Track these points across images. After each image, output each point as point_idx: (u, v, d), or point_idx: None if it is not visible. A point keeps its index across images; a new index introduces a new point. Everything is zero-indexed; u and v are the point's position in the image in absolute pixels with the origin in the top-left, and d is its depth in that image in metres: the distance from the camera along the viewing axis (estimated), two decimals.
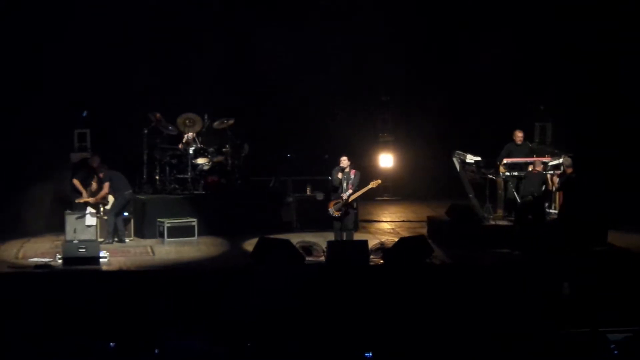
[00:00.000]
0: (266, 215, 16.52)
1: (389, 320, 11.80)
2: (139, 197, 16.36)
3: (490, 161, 15.97)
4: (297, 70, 19.00)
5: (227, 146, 17.13)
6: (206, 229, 16.02)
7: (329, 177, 14.66)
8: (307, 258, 13.87)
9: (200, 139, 17.18)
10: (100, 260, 13.76)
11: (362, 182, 14.41)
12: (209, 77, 18.51)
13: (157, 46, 18.55)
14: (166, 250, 15.04)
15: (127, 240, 15.56)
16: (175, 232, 15.62)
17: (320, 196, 16.73)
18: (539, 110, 18.45)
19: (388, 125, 20.80)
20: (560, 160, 15.53)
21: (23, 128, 17.09)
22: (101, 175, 15.45)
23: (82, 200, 15.39)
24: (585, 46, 18.86)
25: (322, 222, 15.11)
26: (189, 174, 16.77)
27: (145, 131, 16.87)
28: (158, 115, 16.90)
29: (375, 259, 13.96)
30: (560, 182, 15.37)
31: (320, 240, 14.54)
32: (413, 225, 17.41)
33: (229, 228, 16.07)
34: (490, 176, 15.98)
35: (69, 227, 15.10)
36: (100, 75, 17.73)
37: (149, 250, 15.03)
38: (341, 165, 14.39)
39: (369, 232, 16.65)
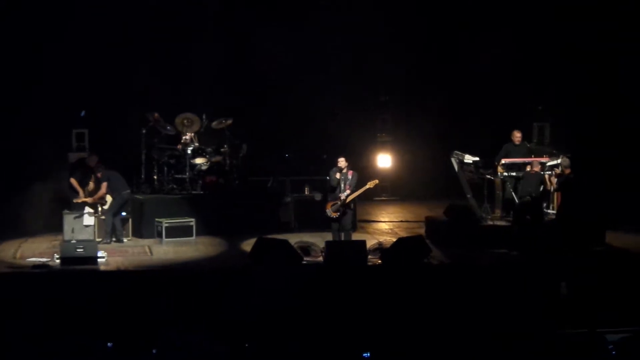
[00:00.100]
0: (264, 215, 16.52)
1: (387, 321, 11.79)
2: (137, 197, 16.36)
3: (489, 161, 15.95)
4: (296, 70, 19.01)
5: (225, 146, 17.12)
6: (204, 229, 16.01)
7: (327, 178, 14.65)
8: (305, 258, 13.85)
9: (196, 137, 17.15)
10: (98, 260, 13.73)
11: (359, 183, 14.39)
12: (209, 77, 18.52)
13: (156, 46, 18.56)
14: (164, 250, 15.02)
15: (125, 240, 15.54)
16: (173, 232, 15.60)
17: (318, 196, 16.71)
18: (537, 111, 18.43)
19: (388, 125, 20.81)
20: (558, 161, 15.50)
21: (22, 128, 17.12)
22: (99, 175, 15.44)
23: (80, 200, 15.41)
24: (585, 46, 18.87)
25: (320, 223, 15.09)
26: (187, 174, 16.76)
27: (144, 131, 16.86)
28: (156, 115, 16.89)
29: (373, 259, 13.94)
30: (558, 183, 15.35)
31: (319, 240, 14.53)
32: (411, 225, 17.40)
33: (227, 228, 16.06)
34: (489, 176, 15.97)
35: (66, 227, 15.11)
36: (100, 75, 17.76)
37: (147, 250, 15.01)
38: (339, 165, 14.38)
39: (367, 232, 16.64)
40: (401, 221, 17.93)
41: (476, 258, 14.35)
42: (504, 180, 15.78)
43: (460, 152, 15.87)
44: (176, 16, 18.48)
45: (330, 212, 14.32)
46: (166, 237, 15.50)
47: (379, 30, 19.21)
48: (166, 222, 15.60)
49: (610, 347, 10.08)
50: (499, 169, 15.74)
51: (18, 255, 14.48)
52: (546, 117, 18.44)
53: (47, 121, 17.22)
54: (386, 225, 17.66)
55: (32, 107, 17.22)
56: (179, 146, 16.91)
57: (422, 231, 16.17)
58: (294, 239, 14.50)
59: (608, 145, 18.49)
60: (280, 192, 17.43)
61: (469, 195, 15.75)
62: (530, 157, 15.90)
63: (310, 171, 17.96)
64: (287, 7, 18.94)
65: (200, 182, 16.89)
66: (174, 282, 12.88)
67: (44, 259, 13.83)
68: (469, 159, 15.76)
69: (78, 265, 13.45)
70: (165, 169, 16.88)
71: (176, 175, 16.86)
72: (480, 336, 10.70)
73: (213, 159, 16.97)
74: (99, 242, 14.70)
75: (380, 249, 14.20)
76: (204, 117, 17.21)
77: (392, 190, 20.50)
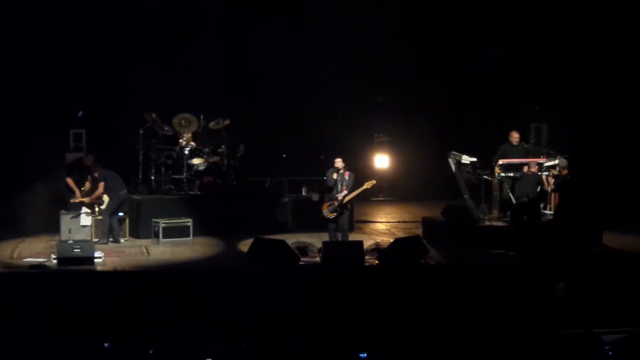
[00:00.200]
0: (261, 215, 16.50)
1: (384, 321, 11.76)
2: (134, 197, 16.34)
3: (486, 162, 15.94)
4: (296, 70, 19.00)
5: (222, 146, 17.11)
6: (201, 230, 15.99)
7: (324, 178, 14.64)
8: (303, 258, 13.83)
9: (191, 137, 17.15)
10: (95, 260, 13.71)
11: (356, 183, 14.37)
12: (208, 77, 18.51)
13: (156, 46, 18.55)
14: (161, 250, 15.01)
15: (122, 240, 15.52)
16: (170, 232, 15.57)
17: (315, 197, 16.71)
18: (535, 111, 18.41)
19: (387, 125, 20.78)
20: (556, 162, 15.47)
21: (20, 128, 17.14)
22: (96, 174, 15.42)
23: (76, 200, 15.39)
24: (585, 46, 18.85)
25: (317, 223, 15.06)
26: (185, 174, 16.76)
27: (141, 131, 16.83)
28: (154, 115, 16.88)
29: (371, 260, 13.91)
30: (555, 184, 15.33)
31: (316, 240, 14.51)
32: (408, 225, 17.37)
33: (224, 228, 16.04)
34: (486, 177, 15.97)
35: (63, 227, 15.08)
36: (99, 75, 17.76)
37: (144, 250, 14.99)
38: (336, 166, 14.36)
39: (364, 233, 16.61)
40: (398, 222, 17.91)
41: (473, 259, 14.33)
42: (501, 180, 15.76)
43: (458, 152, 15.85)
44: (176, 16, 18.49)
45: (327, 212, 14.30)
46: (163, 237, 15.47)
47: (378, 30, 19.22)
48: (163, 223, 15.57)
49: (607, 347, 10.06)
50: (497, 169, 15.72)
51: (15, 255, 14.47)
52: (543, 118, 18.40)
53: (46, 121, 17.23)
54: (383, 225, 17.63)
55: (32, 107, 17.23)
56: (178, 148, 16.90)
57: (419, 232, 16.15)
58: (291, 239, 14.47)
59: (608, 145, 18.47)
60: (277, 192, 17.42)
61: (466, 196, 15.74)
62: (528, 157, 15.88)
63: (308, 171, 17.95)
64: (287, 7, 18.95)
65: (198, 182, 16.88)
66: (172, 282, 12.86)
67: (41, 259, 13.81)
68: (466, 159, 15.75)
69: (75, 266, 13.43)
70: (163, 169, 16.87)
71: (173, 176, 16.85)
72: (478, 337, 10.68)
73: (210, 160, 16.96)
74: (96, 243, 14.72)
75: (377, 249, 14.17)
76: (201, 117, 17.21)
77: (389, 190, 20.49)
